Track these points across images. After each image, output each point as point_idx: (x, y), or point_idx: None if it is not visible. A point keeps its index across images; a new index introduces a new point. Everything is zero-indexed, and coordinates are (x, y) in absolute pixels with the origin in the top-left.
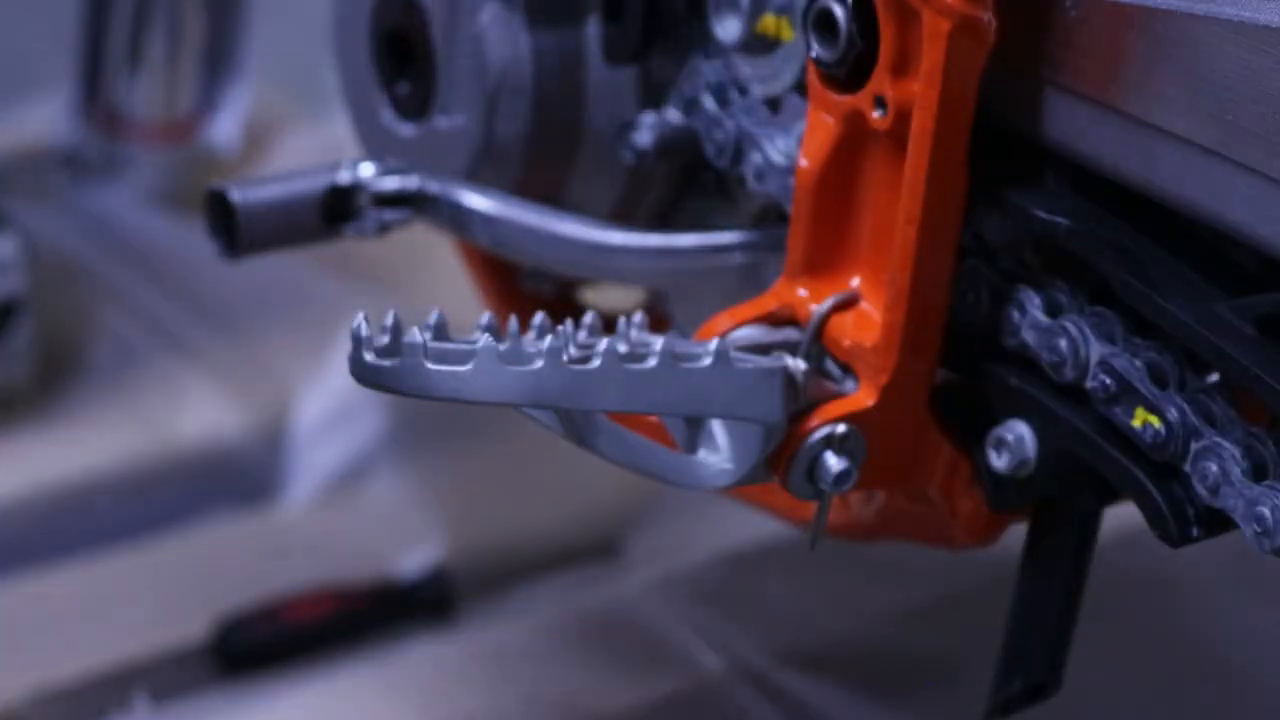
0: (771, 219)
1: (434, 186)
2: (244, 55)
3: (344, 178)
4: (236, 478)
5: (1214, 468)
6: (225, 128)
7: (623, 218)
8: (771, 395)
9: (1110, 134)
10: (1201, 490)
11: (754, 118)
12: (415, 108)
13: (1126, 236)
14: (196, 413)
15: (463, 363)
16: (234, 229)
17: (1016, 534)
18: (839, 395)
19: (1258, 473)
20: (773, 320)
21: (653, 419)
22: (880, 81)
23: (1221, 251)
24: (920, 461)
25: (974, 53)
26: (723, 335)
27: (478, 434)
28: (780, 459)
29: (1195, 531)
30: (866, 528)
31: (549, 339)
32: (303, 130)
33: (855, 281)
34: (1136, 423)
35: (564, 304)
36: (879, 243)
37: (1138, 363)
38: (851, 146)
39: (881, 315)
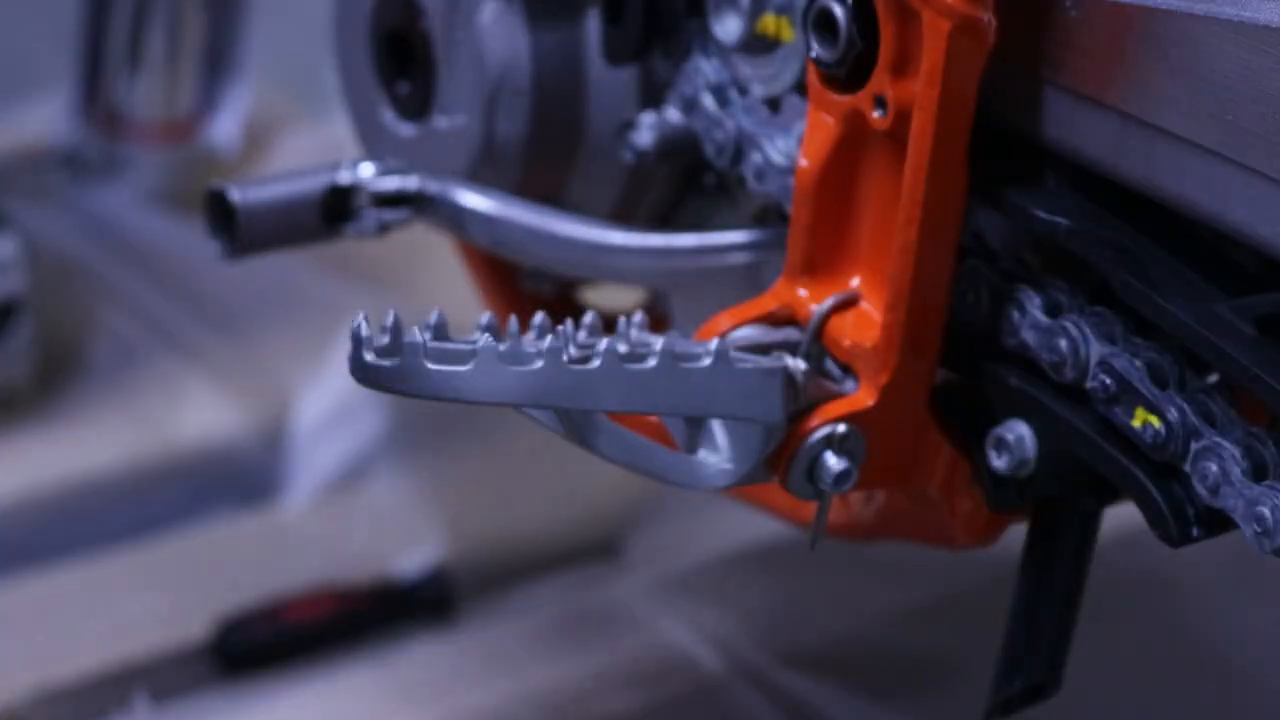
0: (771, 219)
1: (434, 186)
2: (244, 55)
3: (344, 178)
4: (236, 478)
5: (1214, 468)
6: (225, 128)
7: (623, 218)
8: (771, 395)
9: (1110, 134)
10: (1201, 490)
11: (754, 118)
12: (415, 108)
13: (1126, 236)
14: (196, 413)
15: (463, 363)
16: (234, 229)
17: (1016, 534)
18: (839, 395)
19: (1258, 473)
20: (773, 320)
21: (653, 419)
22: (880, 81)
23: (1221, 251)
24: (920, 461)
25: (974, 53)
26: (723, 335)
27: (478, 434)
28: (780, 459)
29: (1195, 531)
30: (866, 528)
31: (549, 339)
32: (303, 130)
33: (855, 281)
34: (1136, 423)
35: (564, 304)
36: (879, 243)
37: (1138, 363)
38: (851, 146)
39: (881, 315)
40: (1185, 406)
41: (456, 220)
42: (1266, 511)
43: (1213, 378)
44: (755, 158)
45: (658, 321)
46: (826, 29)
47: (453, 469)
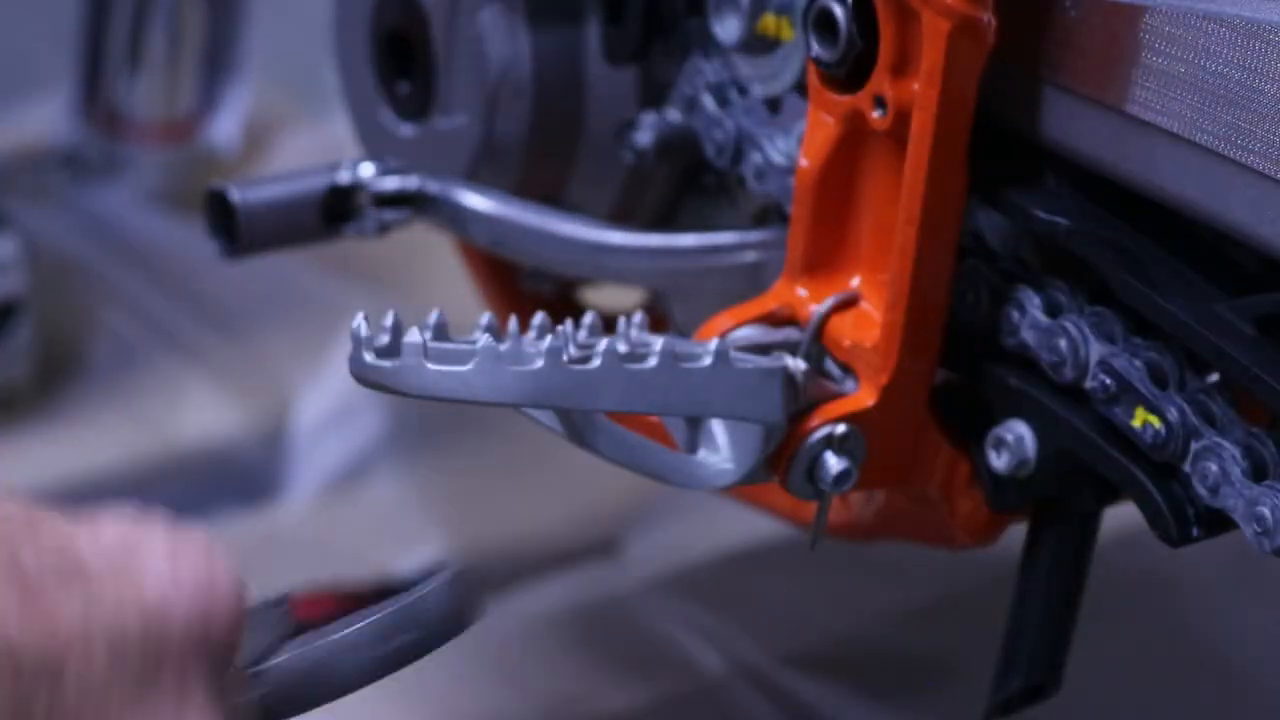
0: (771, 219)
1: (434, 186)
2: (244, 55)
3: (344, 178)
4: (236, 478)
5: (1214, 468)
6: (225, 128)
7: (623, 218)
8: (771, 395)
9: (1110, 134)
10: (1201, 490)
11: (754, 118)
12: (415, 108)
13: (1126, 236)
14: (196, 413)
15: (463, 363)
16: (234, 229)
17: (1016, 534)
18: (839, 395)
19: (1258, 473)
20: (773, 320)
21: (653, 419)
22: (880, 81)
23: (1221, 251)
24: (920, 461)
25: (974, 53)
26: (723, 335)
27: (477, 434)
28: (780, 459)
29: (1195, 531)
30: (866, 528)
31: (549, 339)
32: (303, 130)
33: (855, 281)
34: (1136, 423)
35: (564, 304)
36: (879, 243)
37: (1138, 363)
38: (851, 146)
39: (881, 315)
40: (1185, 406)
41: (456, 220)
42: (1266, 511)
43: (1213, 378)
44: (755, 158)
45: (658, 321)
46: (826, 29)
47: (453, 469)
